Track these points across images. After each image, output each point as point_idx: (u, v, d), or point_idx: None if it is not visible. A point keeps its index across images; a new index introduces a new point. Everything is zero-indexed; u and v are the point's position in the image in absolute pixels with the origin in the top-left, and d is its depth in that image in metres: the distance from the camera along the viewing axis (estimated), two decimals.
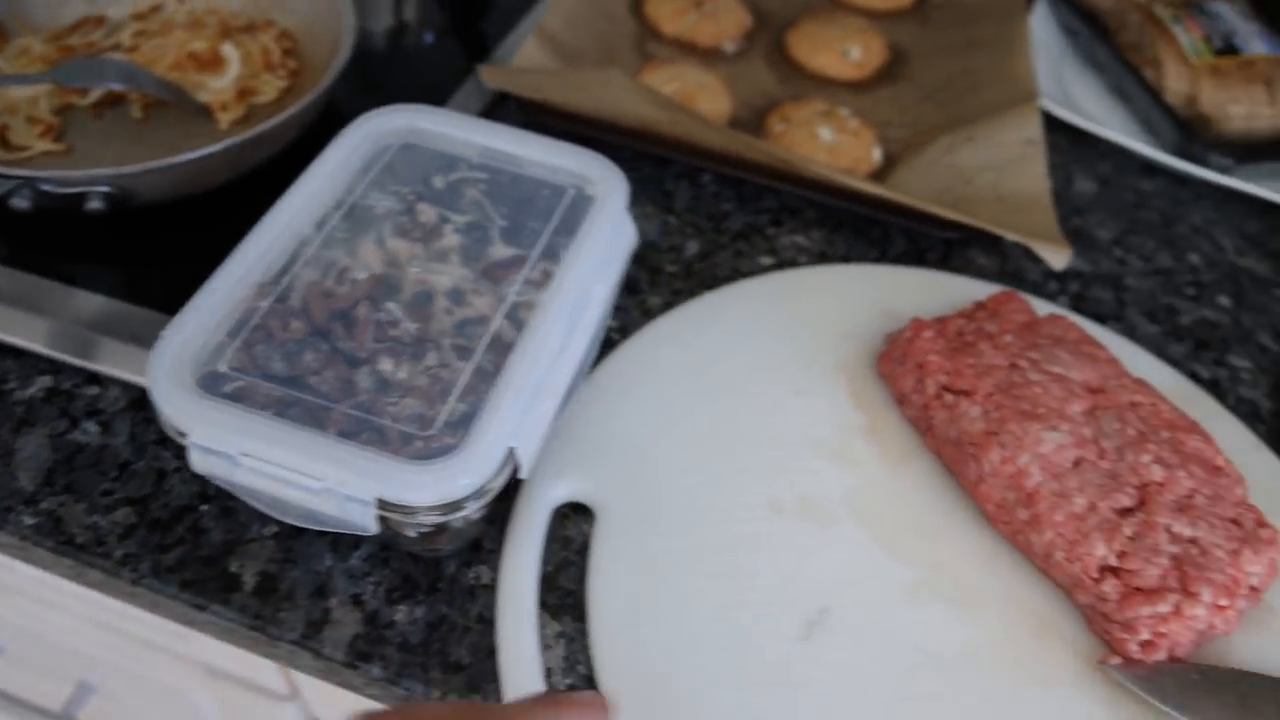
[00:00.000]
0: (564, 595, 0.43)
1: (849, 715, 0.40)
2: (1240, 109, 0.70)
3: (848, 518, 0.46)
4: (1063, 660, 0.42)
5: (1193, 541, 0.42)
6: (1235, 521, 0.44)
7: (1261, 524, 0.44)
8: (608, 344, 0.52)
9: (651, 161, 0.64)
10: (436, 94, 0.65)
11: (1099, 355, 0.49)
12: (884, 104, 0.69)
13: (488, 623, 0.42)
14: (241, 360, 0.39)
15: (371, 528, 0.37)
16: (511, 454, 0.38)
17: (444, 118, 0.49)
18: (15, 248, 0.53)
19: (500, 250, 0.45)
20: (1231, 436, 0.51)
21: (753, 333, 0.52)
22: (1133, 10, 0.75)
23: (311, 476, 0.36)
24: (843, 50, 0.71)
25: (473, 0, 0.77)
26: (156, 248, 0.54)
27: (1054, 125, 0.70)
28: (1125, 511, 0.43)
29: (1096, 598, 0.42)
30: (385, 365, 0.40)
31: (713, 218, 0.61)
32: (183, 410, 0.37)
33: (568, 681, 0.41)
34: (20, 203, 0.49)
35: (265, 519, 0.44)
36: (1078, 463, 0.44)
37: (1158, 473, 0.44)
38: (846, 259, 0.59)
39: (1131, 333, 0.58)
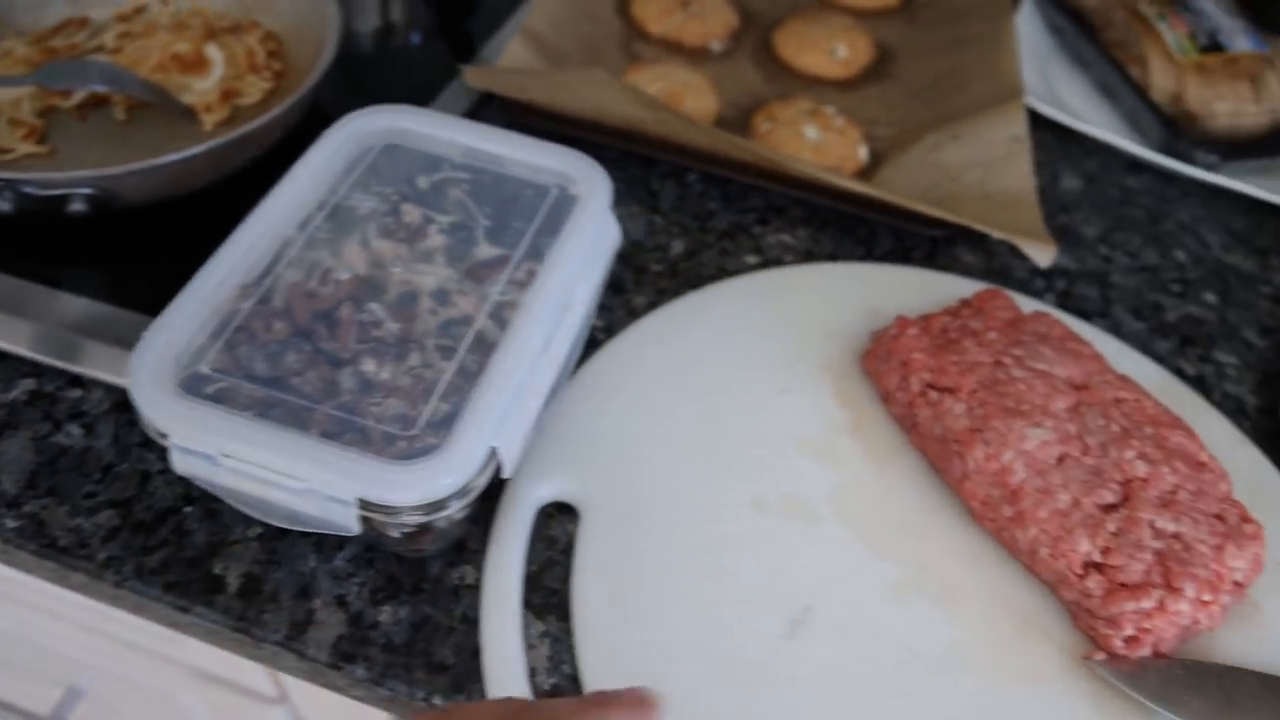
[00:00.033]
0: (549, 595, 0.43)
1: (833, 713, 0.40)
2: (1225, 106, 0.70)
3: (832, 516, 0.46)
4: (1048, 657, 0.42)
5: (1176, 537, 0.42)
6: (1219, 517, 0.44)
7: (1245, 519, 0.44)
8: (592, 343, 0.52)
9: (637, 161, 0.64)
10: (423, 94, 0.65)
11: (1083, 352, 0.49)
12: (871, 102, 0.69)
13: (472, 623, 0.42)
14: (224, 361, 0.39)
15: (354, 528, 0.37)
16: (494, 453, 0.38)
17: (427, 118, 0.49)
18: None
19: (485, 250, 0.45)
20: (1217, 432, 0.51)
21: (737, 332, 0.52)
22: (1118, 8, 0.75)
23: (292, 477, 0.36)
24: (830, 49, 0.71)
25: (459, 1, 0.77)
26: (141, 250, 0.54)
27: (1040, 123, 0.70)
28: (1109, 507, 0.43)
29: (1081, 594, 0.42)
30: (368, 366, 0.40)
31: (698, 217, 0.61)
32: (163, 411, 0.37)
33: (552, 681, 0.41)
34: (2, 205, 0.49)
35: (249, 521, 0.44)
36: (1062, 459, 0.44)
37: (1141, 468, 0.44)
38: (832, 257, 0.59)
39: (1118, 329, 0.58)
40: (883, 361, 0.49)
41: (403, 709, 0.41)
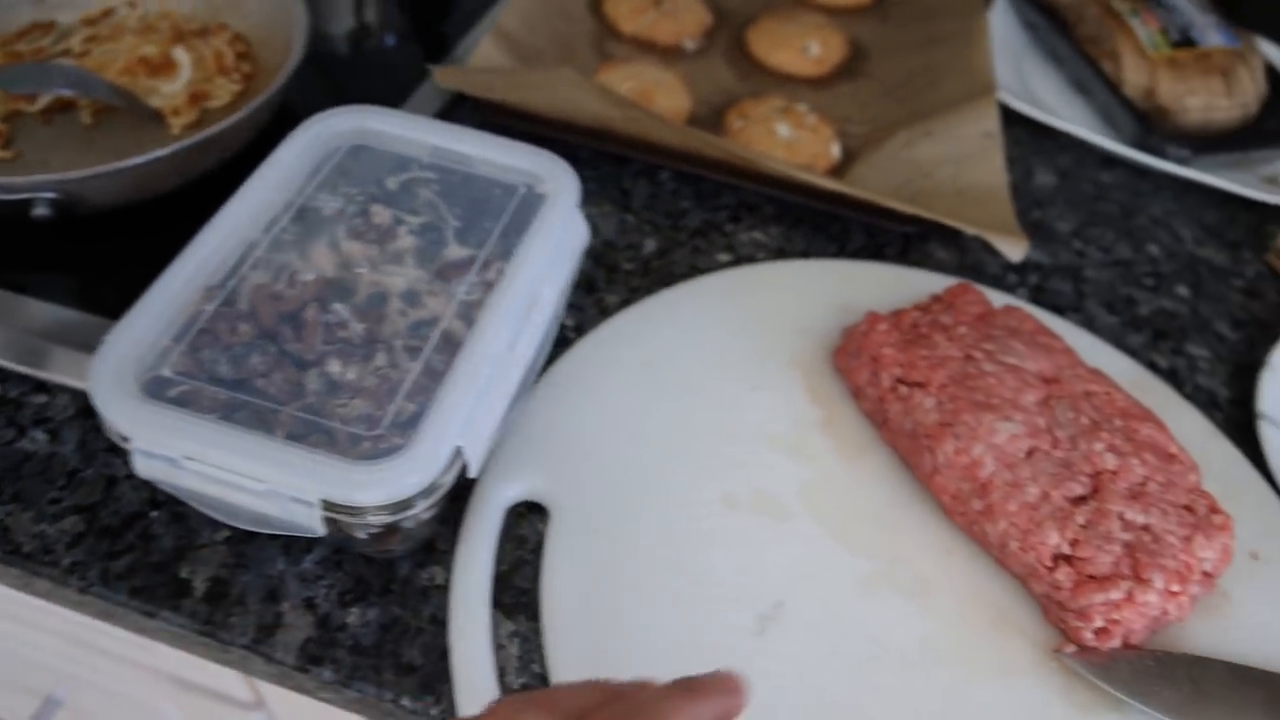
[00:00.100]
0: (518, 594, 0.43)
1: (805, 709, 0.40)
2: (1198, 100, 0.70)
3: (803, 512, 0.46)
4: (1020, 650, 0.42)
5: (1145, 528, 0.42)
6: (1188, 508, 0.44)
7: (1214, 510, 0.44)
8: (564, 342, 0.52)
9: (609, 160, 0.64)
10: (397, 96, 0.64)
11: (1054, 345, 0.49)
12: (844, 100, 0.69)
13: (441, 624, 0.42)
14: (187, 364, 0.39)
15: (318, 529, 0.37)
16: (459, 453, 0.38)
17: (394, 118, 0.49)
18: None
19: (455, 251, 0.45)
20: (1189, 425, 0.51)
21: (709, 329, 0.52)
22: (1091, 4, 0.75)
23: (254, 479, 0.36)
24: (802, 47, 0.71)
25: (433, 2, 0.77)
26: (108, 254, 0.53)
27: (1014, 119, 0.70)
28: (1078, 500, 0.43)
29: (1051, 586, 0.42)
30: (334, 367, 0.40)
31: (671, 215, 0.61)
32: (124, 415, 0.36)
33: (521, 681, 0.40)
34: None
35: (217, 525, 0.44)
36: (1031, 452, 0.44)
37: (1111, 461, 0.44)
38: (805, 254, 0.59)
39: (1091, 323, 0.58)
40: (853, 357, 0.49)
41: (371, 711, 0.40)
